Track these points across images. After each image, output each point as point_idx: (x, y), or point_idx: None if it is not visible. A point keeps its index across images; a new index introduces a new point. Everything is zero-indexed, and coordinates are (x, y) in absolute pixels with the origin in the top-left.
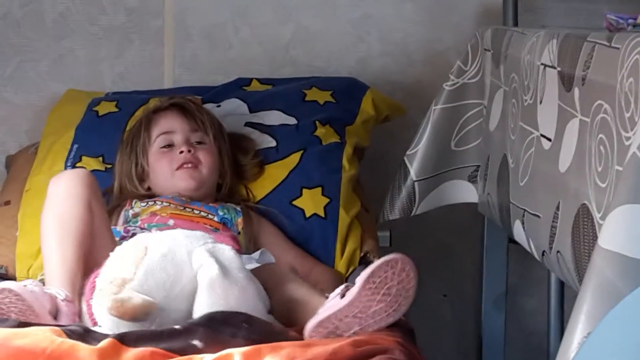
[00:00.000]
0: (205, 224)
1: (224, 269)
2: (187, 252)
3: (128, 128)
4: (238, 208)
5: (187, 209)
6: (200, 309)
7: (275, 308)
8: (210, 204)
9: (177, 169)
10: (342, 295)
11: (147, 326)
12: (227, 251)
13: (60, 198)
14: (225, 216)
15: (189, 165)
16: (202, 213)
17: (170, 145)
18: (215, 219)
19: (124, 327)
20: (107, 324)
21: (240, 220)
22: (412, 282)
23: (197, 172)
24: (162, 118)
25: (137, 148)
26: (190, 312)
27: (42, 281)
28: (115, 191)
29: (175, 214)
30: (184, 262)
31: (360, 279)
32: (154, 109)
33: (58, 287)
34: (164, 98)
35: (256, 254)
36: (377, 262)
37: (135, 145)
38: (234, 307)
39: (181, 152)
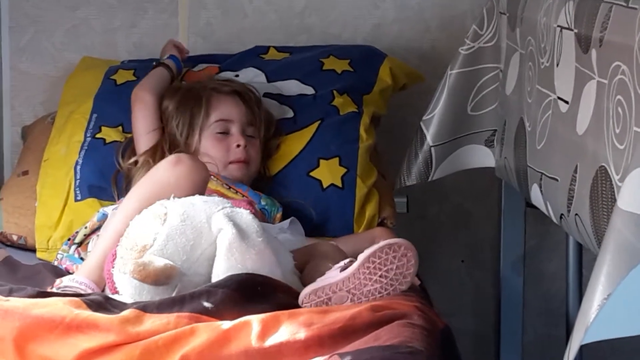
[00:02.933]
0: None
1: (242, 232)
2: (206, 217)
3: (173, 96)
4: (279, 204)
5: (231, 189)
6: (218, 273)
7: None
8: (256, 191)
9: (231, 162)
10: (343, 269)
11: (169, 292)
12: (245, 215)
13: (158, 185)
14: (266, 207)
15: (242, 161)
16: (245, 198)
17: (225, 133)
18: (256, 207)
19: (146, 293)
20: (128, 290)
21: (279, 215)
22: (412, 269)
23: (247, 169)
24: (222, 103)
25: (193, 124)
26: (210, 277)
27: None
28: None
29: (220, 191)
30: (203, 227)
31: (361, 257)
32: (213, 88)
33: (89, 271)
34: (223, 79)
35: (286, 222)
36: (379, 244)
37: (191, 121)
38: (251, 271)
39: (238, 145)
